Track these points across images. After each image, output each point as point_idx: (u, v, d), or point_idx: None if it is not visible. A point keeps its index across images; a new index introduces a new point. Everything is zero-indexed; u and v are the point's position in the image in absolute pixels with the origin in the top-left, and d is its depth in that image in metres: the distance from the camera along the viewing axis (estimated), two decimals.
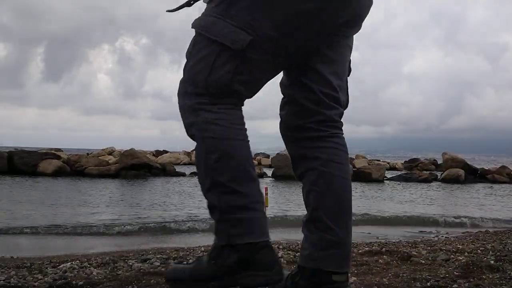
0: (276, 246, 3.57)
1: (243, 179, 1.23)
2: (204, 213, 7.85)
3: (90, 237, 5.76)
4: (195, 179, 16.74)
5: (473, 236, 5.03)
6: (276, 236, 5.39)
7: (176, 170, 18.78)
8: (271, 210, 7.83)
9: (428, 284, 2.01)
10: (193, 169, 21.89)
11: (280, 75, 1.40)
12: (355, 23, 1.32)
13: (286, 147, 1.47)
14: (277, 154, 18.66)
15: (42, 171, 15.86)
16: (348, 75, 1.42)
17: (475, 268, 2.34)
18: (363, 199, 11.19)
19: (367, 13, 1.35)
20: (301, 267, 1.34)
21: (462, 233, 6.02)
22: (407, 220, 7.48)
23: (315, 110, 1.34)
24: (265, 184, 14.79)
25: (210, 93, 1.23)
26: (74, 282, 1.94)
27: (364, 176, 17.62)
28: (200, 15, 1.28)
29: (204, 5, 1.30)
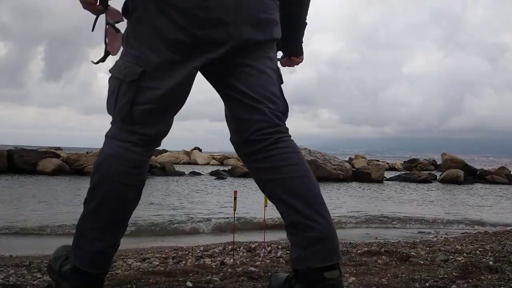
0: (275, 246, 3.58)
1: (98, 214, 1.38)
2: (204, 212, 7.86)
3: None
4: (195, 179, 16.76)
5: (472, 237, 5.04)
6: (275, 236, 5.38)
7: (176, 169, 18.79)
8: (270, 210, 7.83)
9: (427, 284, 2.01)
10: (193, 168, 21.90)
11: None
12: (242, 43, 1.36)
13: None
14: None
15: (42, 170, 15.85)
16: (281, 83, 1.51)
17: (474, 269, 2.34)
18: (362, 199, 11.20)
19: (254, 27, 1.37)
20: (295, 270, 1.37)
21: (461, 233, 6.02)
22: (406, 221, 7.47)
23: (252, 119, 1.42)
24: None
25: (117, 124, 1.42)
26: None
27: (364, 176, 17.63)
28: None
29: None
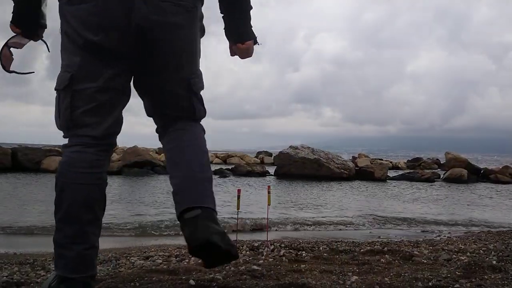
0: (278, 245, 3.58)
1: (68, 220, 1.43)
2: None
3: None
4: None
5: (475, 236, 5.02)
6: (277, 235, 5.39)
7: None
8: (273, 209, 7.84)
9: (430, 283, 2.01)
10: None
11: None
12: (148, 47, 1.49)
13: None
14: (280, 152, 18.64)
15: (46, 168, 15.90)
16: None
17: (477, 268, 2.34)
18: (366, 198, 11.18)
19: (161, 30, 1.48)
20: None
21: (464, 233, 6.00)
22: (409, 220, 7.46)
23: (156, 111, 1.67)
24: (267, 182, 14.79)
25: (65, 134, 1.52)
26: None
27: (367, 175, 17.59)
28: None
29: None
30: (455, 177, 18.05)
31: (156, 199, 9.27)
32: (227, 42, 1.74)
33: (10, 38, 1.60)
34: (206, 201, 1.50)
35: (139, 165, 16.78)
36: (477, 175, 19.14)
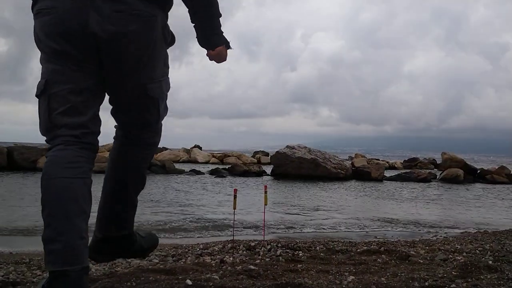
0: (275, 244, 3.58)
1: (55, 213, 1.45)
2: (204, 210, 7.86)
3: (90, 234, 5.75)
4: (195, 177, 16.75)
5: (471, 236, 5.04)
6: (274, 235, 5.39)
7: (176, 167, 18.78)
8: (270, 209, 7.84)
9: (426, 283, 2.01)
10: (192, 166, 21.89)
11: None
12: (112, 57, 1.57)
13: None
14: (276, 152, 18.65)
15: (42, 167, 15.81)
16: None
17: (473, 268, 2.35)
18: (362, 198, 11.20)
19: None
20: None
21: (461, 233, 6.02)
22: (405, 220, 7.47)
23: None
24: (264, 182, 14.80)
25: (47, 138, 1.58)
26: None
27: (363, 175, 17.63)
28: None
29: None
30: (452, 177, 18.11)
31: (152, 199, 9.25)
32: None
33: None
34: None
35: None
36: (474, 175, 19.21)
